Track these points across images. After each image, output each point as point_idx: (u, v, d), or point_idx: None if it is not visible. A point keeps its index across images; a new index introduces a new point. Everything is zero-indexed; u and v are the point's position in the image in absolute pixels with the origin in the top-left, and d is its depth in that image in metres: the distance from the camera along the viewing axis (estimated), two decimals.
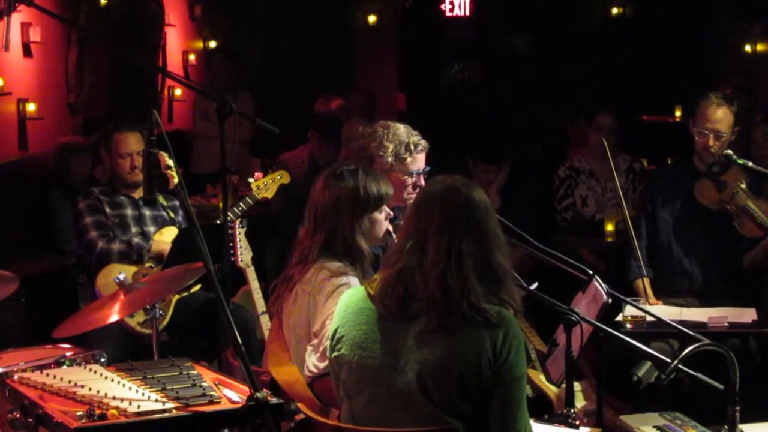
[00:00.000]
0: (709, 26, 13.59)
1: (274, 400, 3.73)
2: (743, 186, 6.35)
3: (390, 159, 5.41)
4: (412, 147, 5.44)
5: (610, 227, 8.17)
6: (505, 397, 3.66)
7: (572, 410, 4.37)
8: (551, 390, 5.13)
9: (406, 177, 5.43)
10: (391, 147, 5.42)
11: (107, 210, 6.72)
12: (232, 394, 3.97)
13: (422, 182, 5.46)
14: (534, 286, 4.57)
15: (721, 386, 4.03)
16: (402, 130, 5.49)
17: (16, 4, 8.56)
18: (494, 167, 8.15)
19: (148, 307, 5.30)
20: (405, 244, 3.81)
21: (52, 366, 4.55)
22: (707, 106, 6.40)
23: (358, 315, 3.88)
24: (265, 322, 6.05)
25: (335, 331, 3.93)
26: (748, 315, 6.00)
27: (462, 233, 3.71)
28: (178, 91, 12.26)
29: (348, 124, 8.37)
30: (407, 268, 3.75)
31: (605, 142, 7.30)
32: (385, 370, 3.75)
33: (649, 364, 5.68)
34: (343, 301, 4.00)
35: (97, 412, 3.70)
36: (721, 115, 6.38)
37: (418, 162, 5.48)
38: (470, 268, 3.68)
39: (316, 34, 13.78)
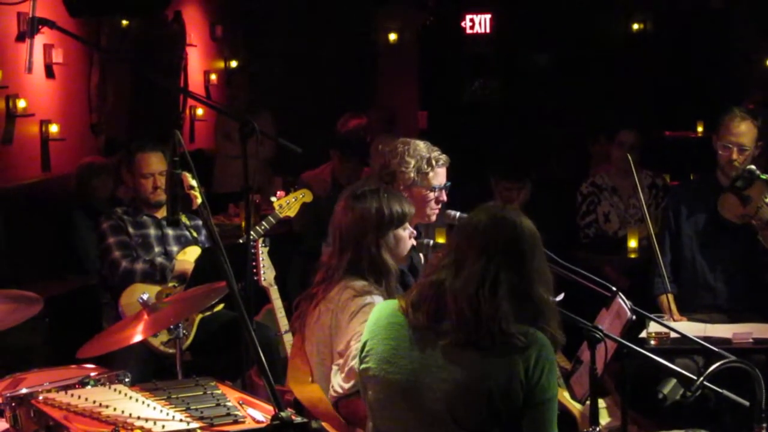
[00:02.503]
0: (729, 41, 13.56)
1: (298, 419, 3.73)
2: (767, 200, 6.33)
3: (412, 174, 5.44)
4: (434, 162, 5.47)
5: (633, 243, 8.15)
6: (537, 419, 3.64)
7: (597, 428, 4.36)
8: (576, 407, 5.11)
9: (428, 192, 5.46)
10: (412, 162, 5.45)
11: (130, 230, 6.74)
12: (256, 414, 3.97)
13: (444, 197, 5.49)
14: (560, 297, 4.55)
15: (746, 403, 4.02)
16: (422, 145, 5.52)
17: (39, 27, 8.62)
18: (517, 185, 8.15)
19: (171, 327, 5.31)
20: (444, 259, 3.80)
21: (77, 386, 4.55)
22: (731, 120, 6.41)
23: (388, 329, 3.87)
24: (288, 340, 6.04)
25: (365, 344, 3.93)
26: None
27: (501, 261, 3.68)
28: (199, 111, 12.30)
29: (374, 144, 8.39)
30: (441, 282, 3.74)
31: (629, 158, 7.29)
32: (411, 387, 3.73)
33: (674, 381, 5.64)
34: (375, 314, 4.00)
35: (122, 431, 3.71)
36: (744, 129, 6.38)
37: (440, 177, 5.49)
38: (504, 295, 3.64)
39: (337, 53, 13.81)
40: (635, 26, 14.99)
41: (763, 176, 6.27)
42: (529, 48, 14.83)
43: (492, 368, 3.62)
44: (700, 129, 12.74)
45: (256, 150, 4.99)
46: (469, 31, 14.92)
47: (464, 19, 14.88)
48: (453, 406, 3.65)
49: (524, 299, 3.69)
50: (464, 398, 3.64)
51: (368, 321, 4.01)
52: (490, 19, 14.81)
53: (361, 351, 3.93)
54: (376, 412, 3.88)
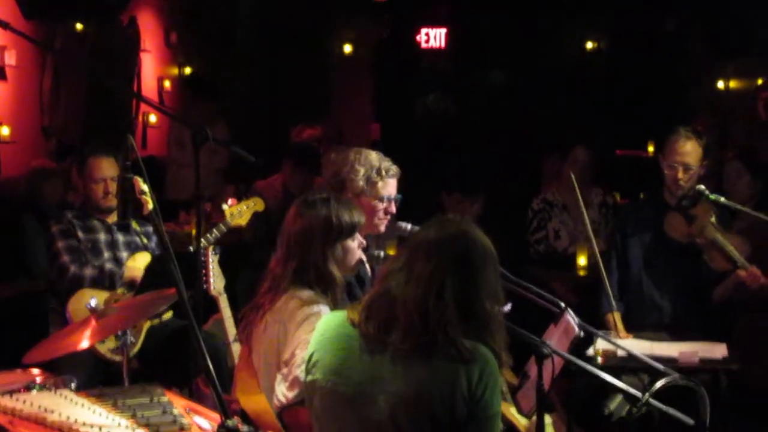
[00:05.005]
0: (683, 63, 13.68)
1: (244, 428, 3.72)
2: (713, 220, 6.38)
3: (361, 182, 5.43)
4: (384, 171, 5.47)
5: (582, 261, 8.21)
6: None
7: None
8: (521, 422, 5.14)
9: (376, 202, 5.45)
10: (362, 171, 5.45)
11: (80, 234, 6.71)
12: (202, 422, 3.96)
13: (393, 208, 5.49)
14: (508, 307, 4.56)
15: (691, 421, 4.05)
16: (374, 155, 5.53)
17: None
18: (469, 198, 8.18)
19: (119, 333, 5.29)
20: (394, 267, 3.81)
21: (22, 391, 4.53)
22: (676, 140, 6.47)
23: (336, 341, 3.86)
24: (236, 350, 6.03)
25: (311, 356, 3.91)
26: (719, 350, 6.01)
27: (450, 268, 3.69)
28: (152, 118, 12.27)
29: (327, 154, 8.41)
30: (391, 290, 3.75)
31: (573, 177, 7.32)
32: (358, 399, 3.73)
33: (620, 397, 5.69)
34: (322, 326, 3.99)
35: None
36: (689, 149, 6.44)
37: (389, 187, 5.49)
38: (450, 301, 3.65)
39: (292, 63, 13.81)
40: (589, 45, 15.11)
41: (712, 196, 6.32)
42: (484, 63, 14.89)
43: (436, 378, 3.62)
44: (651, 149, 12.84)
45: (209, 158, 4.99)
46: (424, 45, 14.99)
47: (419, 33, 14.94)
48: (397, 419, 3.65)
49: (471, 311, 3.69)
50: (409, 411, 3.64)
51: (315, 332, 4.00)
52: (446, 34, 14.89)
53: (308, 362, 3.92)
54: (323, 423, 3.88)
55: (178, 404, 4.13)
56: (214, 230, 6.70)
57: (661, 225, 6.53)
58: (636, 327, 6.47)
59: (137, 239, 6.82)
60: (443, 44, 14.95)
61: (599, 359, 5.89)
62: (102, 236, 6.76)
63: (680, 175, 6.44)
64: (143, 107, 12.02)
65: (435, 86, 15.30)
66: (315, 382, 3.85)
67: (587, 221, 6.97)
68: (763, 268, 6.33)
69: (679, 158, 6.45)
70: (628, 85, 14.17)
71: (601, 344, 5.88)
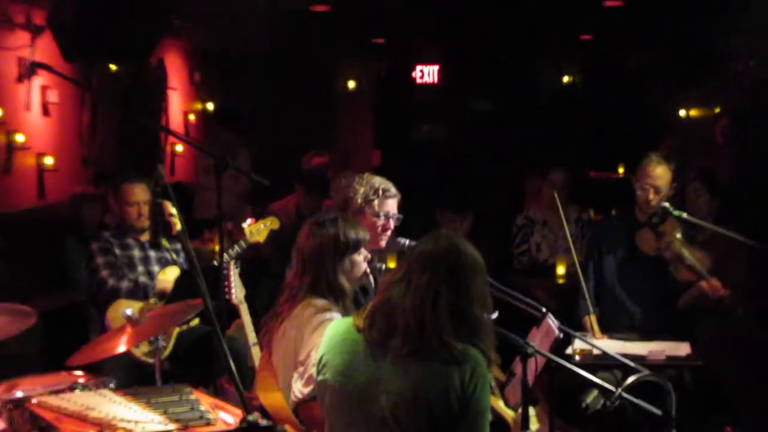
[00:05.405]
0: (648, 94, 13.69)
1: (264, 422, 3.73)
2: (678, 236, 6.38)
3: (360, 200, 5.46)
4: (381, 192, 5.48)
5: (561, 270, 8.22)
6: (471, 427, 3.64)
7: None
8: (509, 414, 5.13)
9: (375, 219, 5.46)
10: (361, 190, 5.48)
11: (117, 251, 6.72)
12: (226, 417, 3.97)
13: (390, 225, 5.49)
14: (495, 315, 4.57)
15: (659, 412, 4.05)
16: (377, 179, 5.55)
17: (37, 70, 8.62)
18: (460, 216, 8.19)
19: (152, 338, 5.29)
20: (395, 278, 3.82)
21: (67, 391, 4.54)
22: (648, 165, 6.46)
23: (343, 345, 3.86)
24: (255, 352, 6.02)
25: (321, 358, 3.92)
26: (683, 349, 6.02)
27: (443, 279, 3.70)
28: (179, 147, 12.27)
29: (336, 178, 8.42)
30: (392, 299, 3.76)
31: (556, 196, 7.34)
32: (363, 397, 3.73)
33: (596, 392, 5.67)
34: (330, 331, 3.99)
35: None
36: (660, 173, 6.43)
37: (387, 206, 5.49)
38: (444, 309, 3.66)
39: (302, 97, 13.83)
40: (565, 79, 15.15)
41: (675, 212, 6.32)
42: (472, 96, 14.91)
43: (431, 378, 3.63)
44: (621, 170, 12.85)
45: (233, 183, 5.01)
46: (419, 80, 15.01)
47: (415, 70, 14.96)
48: (398, 414, 3.65)
49: (462, 317, 3.70)
50: (408, 406, 3.64)
51: (324, 337, 4.01)
52: (438, 71, 14.92)
53: (318, 364, 3.93)
54: (333, 418, 3.88)
55: (205, 401, 4.14)
56: (236, 246, 6.71)
57: (633, 239, 6.53)
58: (610, 329, 6.46)
59: (167, 255, 6.83)
60: (436, 79, 14.97)
61: (577, 357, 5.89)
62: (136, 253, 6.77)
63: (651, 196, 6.44)
64: (171, 138, 12.04)
65: (429, 116, 15.32)
66: (325, 382, 3.86)
67: (569, 235, 6.99)
68: (722, 276, 6.34)
69: (650, 181, 6.44)
70: (599, 113, 14.19)
71: (578, 344, 5.88)
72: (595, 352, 5.75)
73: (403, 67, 15.11)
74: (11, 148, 8.52)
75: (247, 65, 13.08)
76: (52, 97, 9.11)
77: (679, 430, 4.03)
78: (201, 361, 6.36)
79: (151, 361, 6.07)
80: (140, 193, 6.74)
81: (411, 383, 3.65)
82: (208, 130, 13.27)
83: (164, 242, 6.83)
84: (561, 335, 4.85)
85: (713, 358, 6.22)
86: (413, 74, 14.98)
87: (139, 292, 6.57)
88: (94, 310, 6.70)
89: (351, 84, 15.40)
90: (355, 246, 4.81)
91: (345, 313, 4.62)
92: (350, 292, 4.77)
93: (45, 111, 9.11)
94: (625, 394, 4.07)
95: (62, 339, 6.70)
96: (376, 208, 5.46)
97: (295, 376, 4.57)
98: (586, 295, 6.46)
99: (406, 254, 4.01)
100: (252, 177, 5.45)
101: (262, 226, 6.95)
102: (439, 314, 3.65)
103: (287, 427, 4.14)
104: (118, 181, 6.95)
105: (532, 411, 5.08)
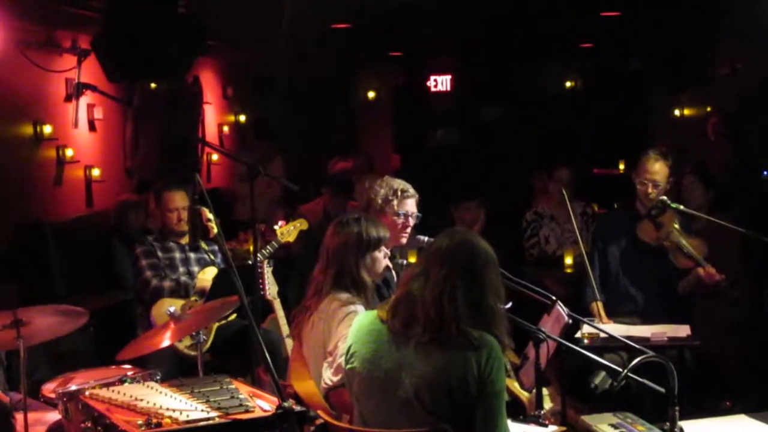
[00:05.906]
0: (645, 96, 13.64)
1: (298, 408, 3.72)
2: (677, 226, 6.35)
3: (380, 201, 5.44)
4: (399, 193, 5.45)
5: (569, 261, 8.18)
6: (488, 407, 3.65)
7: (541, 411, 4.37)
8: (524, 395, 5.11)
9: (394, 218, 5.44)
10: (382, 192, 5.46)
11: (159, 254, 6.73)
12: (263, 404, 3.96)
13: (410, 223, 5.46)
14: (508, 305, 4.56)
15: (662, 390, 4.02)
16: (397, 181, 5.53)
17: (83, 90, 8.64)
18: (474, 204, 8.12)
19: (194, 333, 5.30)
20: (415, 273, 3.82)
21: (117, 383, 4.55)
22: (647, 161, 6.41)
23: (369, 335, 3.88)
24: (289, 344, 6.03)
25: (349, 348, 3.93)
26: (683, 331, 5.99)
27: (459, 273, 3.71)
28: (214, 157, 12.29)
29: (360, 182, 8.39)
30: (413, 292, 3.75)
31: (564, 192, 7.31)
32: (389, 381, 3.74)
33: (603, 373, 5.64)
34: (357, 323, 4.01)
35: (154, 421, 3.72)
36: (658, 168, 6.39)
37: (405, 206, 5.46)
38: (461, 300, 3.67)
39: (326, 108, 13.84)
40: (569, 84, 15.10)
41: (673, 205, 6.29)
42: (482, 102, 14.89)
43: (451, 364, 3.63)
44: (622, 167, 12.78)
45: (267, 189, 5.01)
46: (433, 89, 15.00)
47: (429, 80, 14.96)
48: (421, 396, 3.67)
49: (478, 307, 3.71)
50: (430, 389, 3.65)
51: (351, 328, 4.03)
52: (451, 80, 14.91)
53: (347, 353, 3.94)
54: (361, 402, 3.89)
55: (243, 390, 4.14)
56: (268, 246, 6.71)
57: (635, 230, 6.49)
58: (615, 314, 6.44)
59: (206, 256, 6.83)
60: (449, 88, 14.96)
61: (585, 341, 5.86)
62: (177, 255, 6.77)
63: (650, 190, 6.40)
64: (207, 149, 12.06)
65: (443, 122, 15.30)
66: (354, 370, 3.87)
67: (576, 227, 6.96)
68: (717, 264, 6.30)
69: (649, 176, 6.40)
70: (601, 114, 14.15)
71: (586, 329, 5.86)
72: (602, 335, 5.72)
73: (418, 78, 15.10)
74: (62, 161, 8.55)
75: (275, 80, 13.09)
76: (98, 114, 9.15)
77: (681, 405, 4.00)
78: (239, 353, 6.38)
79: (193, 354, 6.09)
80: (179, 200, 6.74)
81: (432, 368, 3.65)
82: (240, 140, 13.28)
83: (203, 245, 6.83)
84: (570, 321, 4.83)
85: (710, 338, 6.19)
86: (428, 84, 14.98)
87: (180, 291, 6.58)
88: (140, 308, 6.71)
89: (371, 94, 15.42)
90: (376, 243, 4.80)
91: (367, 304, 4.62)
92: (371, 286, 4.77)
93: (91, 127, 9.14)
94: (630, 374, 4.05)
95: (111, 336, 6.71)
96: (396, 207, 5.44)
97: (325, 365, 4.57)
98: (593, 283, 6.44)
99: (424, 250, 4.01)
100: (283, 182, 5.44)
101: (292, 227, 6.96)
102: (457, 305, 3.66)
103: (320, 412, 4.13)
104: (159, 189, 6.96)
105: (545, 391, 5.06)
